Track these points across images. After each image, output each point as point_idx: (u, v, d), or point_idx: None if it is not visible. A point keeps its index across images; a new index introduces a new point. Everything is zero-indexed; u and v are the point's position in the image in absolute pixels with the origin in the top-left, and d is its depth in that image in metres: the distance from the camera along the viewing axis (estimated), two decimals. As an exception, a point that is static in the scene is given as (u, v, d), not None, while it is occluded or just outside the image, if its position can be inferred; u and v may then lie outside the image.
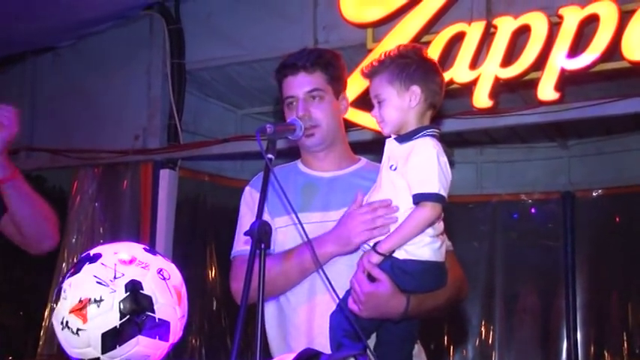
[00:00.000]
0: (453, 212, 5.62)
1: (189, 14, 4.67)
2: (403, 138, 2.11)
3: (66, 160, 4.91)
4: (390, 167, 2.09)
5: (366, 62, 2.23)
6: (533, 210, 5.88)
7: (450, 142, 5.56)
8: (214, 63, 4.62)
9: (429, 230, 2.05)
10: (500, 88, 3.69)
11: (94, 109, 4.88)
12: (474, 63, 3.68)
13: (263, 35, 4.37)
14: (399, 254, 2.05)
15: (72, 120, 4.96)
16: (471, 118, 3.87)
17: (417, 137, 2.07)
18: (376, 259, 2.05)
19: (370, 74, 2.16)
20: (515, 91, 4.03)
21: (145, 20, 4.77)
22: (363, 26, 3.99)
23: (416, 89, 2.09)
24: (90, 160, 4.83)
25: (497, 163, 5.82)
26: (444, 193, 2.00)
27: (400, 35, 3.79)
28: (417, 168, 2.02)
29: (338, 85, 2.40)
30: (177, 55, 4.64)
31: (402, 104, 2.10)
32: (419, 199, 2.01)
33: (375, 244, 2.07)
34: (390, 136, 2.16)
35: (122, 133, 4.73)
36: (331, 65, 2.38)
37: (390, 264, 2.05)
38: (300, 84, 2.36)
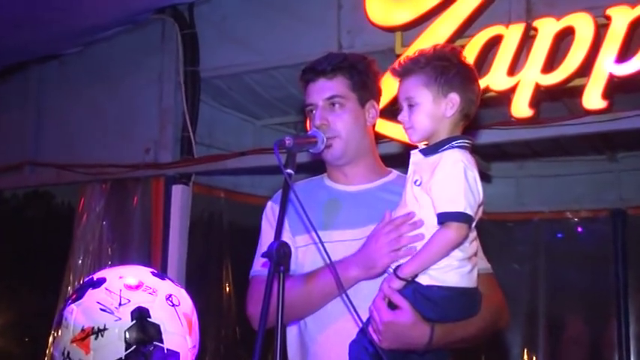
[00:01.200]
0: (491, 231, 5.71)
1: (204, 18, 4.70)
2: (429, 150, 2.08)
3: (72, 175, 4.95)
4: (415, 182, 2.07)
5: (399, 61, 2.19)
6: (579, 229, 5.83)
7: (487, 155, 5.54)
8: (231, 70, 4.63)
9: (457, 253, 2.02)
10: (542, 96, 3.65)
11: (102, 121, 4.93)
12: (513, 69, 3.65)
13: (283, 40, 4.38)
14: (423, 279, 2.02)
15: (78, 132, 5.02)
16: (509, 129, 3.84)
17: (445, 149, 2.04)
18: (397, 284, 2.02)
19: (402, 73, 2.13)
20: (558, 99, 3.99)
21: (156, 25, 4.81)
22: (391, 30, 3.98)
23: (455, 97, 2.06)
24: (97, 175, 4.87)
25: (539, 178, 5.78)
26: (470, 212, 1.97)
27: (431, 39, 3.77)
28: (442, 184, 1.99)
29: (364, 91, 2.39)
30: (191, 62, 4.67)
31: (436, 112, 2.07)
32: (443, 218, 1.98)
33: (397, 268, 2.05)
34: (416, 146, 2.14)
35: (132, 146, 4.76)
36: (356, 70, 2.37)
37: (412, 290, 2.02)
38: (319, 90, 2.36)
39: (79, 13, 4.41)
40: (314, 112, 2.37)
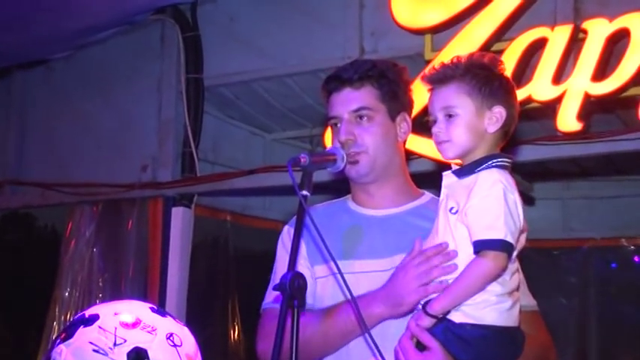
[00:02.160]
0: (534, 260, 5.68)
1: (208, 19, 4.75)
2: (464, 170, 2.09)
3: (59, 196, 4.99)
4: (450, 210, 2.07)
5: (434, 67, 2.20)
6: (636, 258, 5.79)
7: (530, 175, 5.52)
8: (238, 77, 4.67)
9: (496, 287, 2.01)
10: (592, 108, 3.65)
11: (94, 135, 4.97)
12: (559, 76, 3.65)
13: (297, 44, 4.41)
14: (455, 316, 2.01)
15: (67, 147, 5.06)
16: (555, 145, 3.83)
17: (482, 169, 2.05)
18: (426, 321, 2.02)
19: (439, 79, 2.13)
20: (610, 111, 3.98)
21: (155, 27, 4.86)
22: (419, 32, 3.99)
23: (501, 111, 2.07)
24: (88, 195, 4.90)
25: (589, 200, 5.77)
26: (511, 239, 1.97)
27: (465, 43, 3.78)
28: (479, 208, 1.99)
29: (395, 103, 2.40)
30: (194, 69, 4.71)
31: (478, 126, 2.07)
32: (480, 247, 1.98)
33: (426, 304, 2.04)
34: (450, 165, 2.14)
35: (127, 163, 4.80)
36: (385, 78, 2.39)
37: (443, 328, 2.01)
38: (344, 101, 2.38)
39: (68, 13, 4.44)
40: (338, 125, 2.38)
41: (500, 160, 2.06)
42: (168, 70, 4.78)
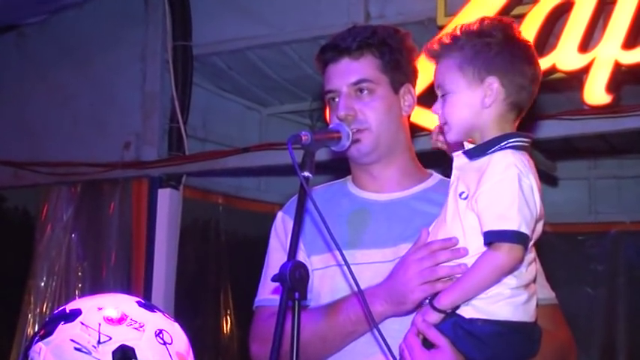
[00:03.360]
0: (558, 247, 5.69)
1: (198, -20, 4.74)
2: (475, 151, 2.08)
3: (34, 176, 5.00)
4: (460, 195, 2.07)
5: (435, 40, 2.20)
6: (669, 243, 5.82)
7: (553, 152, 5.52)
8: (231, 45, 4.66)
9: (510, 280, 2.01)
10: (623, 78, 3.64)
11: (71, 109, 4.97)
12: (586, 44, 3.65)
13: (295, 8, 4.41)
14: (465, 311, 2.01)
15: (41, 123, 5.06)
16: (581, 119, 3.83)
17: (494, 150, 2.04)
18: (434, 317, 2.02)
19: (437, 54, 2.13)
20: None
21: (138, -11, 4.85)
22: (431, -6, 3.99)
23: (492, 82, 2.06)
24: (65, 176, 4.91)
25: (618, 180, 5.78)
26: (526, 230, 1.96)
27: (482, 6, 3.77)
28: (490, 195, 1.98)
29: (398, 73, 2.39)
30: (182, 36, 4.71)
31: (472, 101, 2.07)
32: (491, 238, 1.97)
33: (433, 298, 2.05)
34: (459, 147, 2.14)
35: (108, 141, 4.81)
36: (387, 46, 2.38)
37: (452, 324, 2.02)
38: (343, 73, 2.37)
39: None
40: (336, 100, 2.37)
41: (515, 140, 2.05)
42: (153, 38, 4.78)
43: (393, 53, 2.38)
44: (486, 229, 1.97)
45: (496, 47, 2.07)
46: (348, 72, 2.36)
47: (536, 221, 2.03)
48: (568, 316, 2.38)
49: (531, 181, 2.00)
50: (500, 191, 1.97)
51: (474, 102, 2.07)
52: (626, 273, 5.85)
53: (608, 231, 5.85)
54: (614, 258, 5.86)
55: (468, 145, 2.13)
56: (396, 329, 2.14)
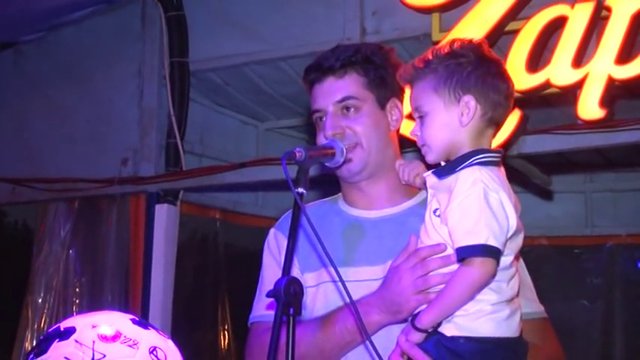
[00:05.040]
0: (554, 260, 5.68)
1: (194, -3, 4.75)
2: (444, 170, 2.09)
3: (32, 192, 4.99)
4: (434, 212, 2.09)
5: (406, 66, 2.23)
6: (665, 256, 5.82)
7: (548, 166, 5.51)
8: (228, 61, 4.67)
9: (491, 296, 2.02)
10: (616, 93, 3.65)
11: (69, 125, 4.97)
12: (579, 59, 3.66)
13: (291, 25, 4.41)
14: (447, 329, 2.02)
15: (39, 139, 5.06)
16: (575, 134, 3.84)
17: (461, 168, 2.05)
18: (416, 337, 2.02)
19: (410, 78, 2.16)
20: (637, 96, 3.98)
21: (135, 6, 4.86)
22: (426, 10, 3.99)
23: (469, 100, 2.07)
24: (63, 192, 4.91)
25: (614, 193, 5.78)
26: (495, 243, 1.97)
27: (476, 22, 3.79)
28: (458, 213, 2.00)
29: (384, 89, 2.39)
30: (179, 52, 4.72)
31: (449, 120, 2.09)
32: (463, 254, 1.98)
33: (414, 318, 2.05)
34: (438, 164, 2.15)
35: (106, 157, 4.81)
36: (371, 63, 2.39)
37: (435, 343, 2.02)
38: (327, 93, 2.37)
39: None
40: (323, 119, 2.38)
41: (482, 155, 2.06)
42: (150, 54, 4.78)
43: (378, 70, 2.39)
44: (457, 245, 2.00)
45: (469, 66, 2.09)
46: (333, 91, 2.36)
47: (514, 234, 2.05)
48: (565, 329, 2.39)
49: (500, 196, 2.01)
50: (467, 208, 1.99)
51: (452, 121, 2.08)
52: (623, 285, 5.85)
53: (605, 244, 5.84)
54: (611, 271, 5.86)
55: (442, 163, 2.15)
56: (395, 335, 2.12)
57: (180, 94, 4.71)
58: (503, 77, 2.14)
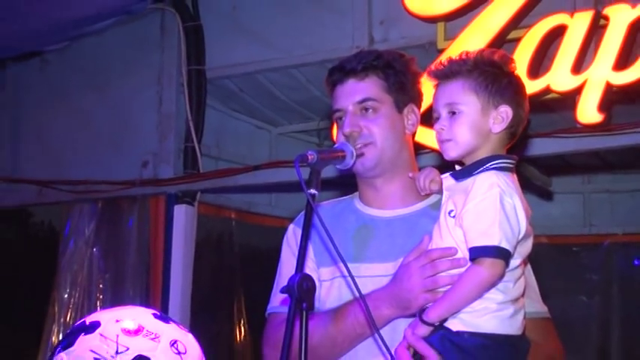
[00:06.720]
0: (554, 258, 5.66)
1: (211, 8, 4.75)
2: (462, 173, 2.09)
3: (56, 194, 5.00)
4: (449, 213, 2.08)
5: (440, 62, 2.20)
6: (660, 254, 5.80)
7: (548, 168, 5.49)
8: (242, 69, 4.67)
9: (497, 295, 2.02)
10: (614, 98, 3.64)
11: (91, 130, 4.99)
12: (579, 66, 3.65)
13: (303, 33, 4.41)
14: (453, 324, 2.02)
15: (63, 143, 5.07)
16: (575, 137, 3.83)
17: (479, 172, 2.04)
18: (423, 330, 2.03)
19: (445, 75, 2.13)
20: (634, 101, 3.97)
21: (154, 16, 4.87)
22: (431, 20, 3.99)
23: (507, 111, 2.07)
24: (86, 193, 4.92)
25: (611, 194, 5.77)
26: (507, 246, 1.96)
27: (480, 31, 3.78)
28: (474, 214, 1.99)
29: (402, 94, 2.40)
30: (196, 60, 4.72)
31: (483, 125, 2.07)
32: (475, 254, 1.98)
33: (422, 311, 2.05)
34: (454, 163, 2.13)
35: (126, 160, 4.82)
36: (391, 69, 2.39)
37: (440, 337, 2.02)
38: (348, 93, 2.38)
39: (63, 3, 4.45)
40: (343, 118, 2.38)
41: (499, 161, 2.06)
42: (168, 62, 4.79)
43: (397, 75, 2.39)
44: (470, 245, 1.99)
45: (505, 78, 2.09)
46: (354, 92, 2.37)
47: (523, 238, 2.04)
48: (564, 324, 2.38)
49: (514, 201, 2.01)
50: (483, 210, 1.98)
51: (484, 126, 2.07)
52: (619, 282, 5.85)
53: (602, 242, 5.84)
54: (608, 268, 5.86)
55: (458, 166, 2.14)
56: (403, 328, 2.12)
57: (197, 101, 4.72)
58: (526, 95, 2.15)
